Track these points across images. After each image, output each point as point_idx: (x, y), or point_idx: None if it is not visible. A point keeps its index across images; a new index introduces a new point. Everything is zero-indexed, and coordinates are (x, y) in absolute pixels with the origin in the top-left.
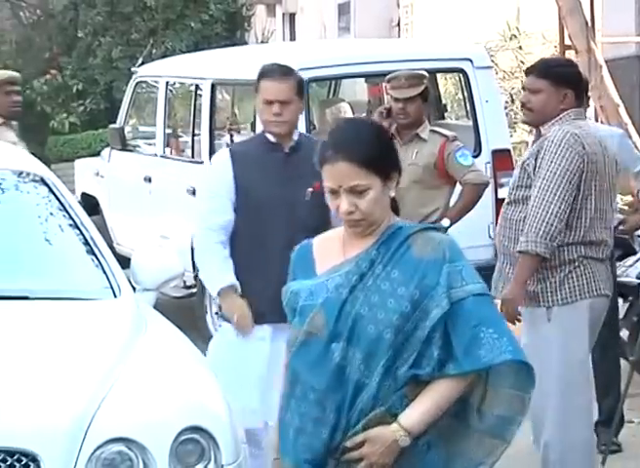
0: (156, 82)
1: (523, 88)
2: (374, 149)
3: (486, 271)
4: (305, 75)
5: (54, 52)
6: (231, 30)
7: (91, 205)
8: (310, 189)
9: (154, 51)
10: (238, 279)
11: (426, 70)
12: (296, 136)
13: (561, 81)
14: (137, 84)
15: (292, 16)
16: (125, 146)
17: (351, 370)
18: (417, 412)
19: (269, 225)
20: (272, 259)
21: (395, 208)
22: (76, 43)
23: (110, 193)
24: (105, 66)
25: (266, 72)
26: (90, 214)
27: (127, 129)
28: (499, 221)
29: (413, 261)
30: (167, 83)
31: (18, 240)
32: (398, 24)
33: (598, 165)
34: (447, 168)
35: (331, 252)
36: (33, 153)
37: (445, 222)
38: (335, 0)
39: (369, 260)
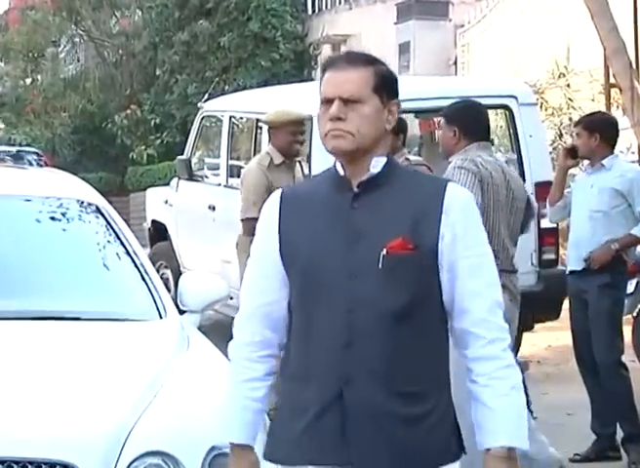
0: (221, 116)
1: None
2: None
3: (529, 296)
4: None
5: (134, 88)
6: (299, 68)
7: (160, 231)
8: (384, 252)
9: (226, 87)
10: (288, 389)
11: None
12: (377, 166)
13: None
14: (203, 118)
15: None
16: (192, 177)
17: None
18: None
19: (320, 309)
20: (321, 362)
21: None
22: (155, 80)
23: (178, 220)
24: (181, 102)
25: (331, 62)
26: (159, 240)
27: (194, 160)
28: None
29: None
30: (230, 117)
31: (73, 265)
32: (455, 63)
33: None
34: None
35: None
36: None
37: None
38: (396, 40)
39: None
